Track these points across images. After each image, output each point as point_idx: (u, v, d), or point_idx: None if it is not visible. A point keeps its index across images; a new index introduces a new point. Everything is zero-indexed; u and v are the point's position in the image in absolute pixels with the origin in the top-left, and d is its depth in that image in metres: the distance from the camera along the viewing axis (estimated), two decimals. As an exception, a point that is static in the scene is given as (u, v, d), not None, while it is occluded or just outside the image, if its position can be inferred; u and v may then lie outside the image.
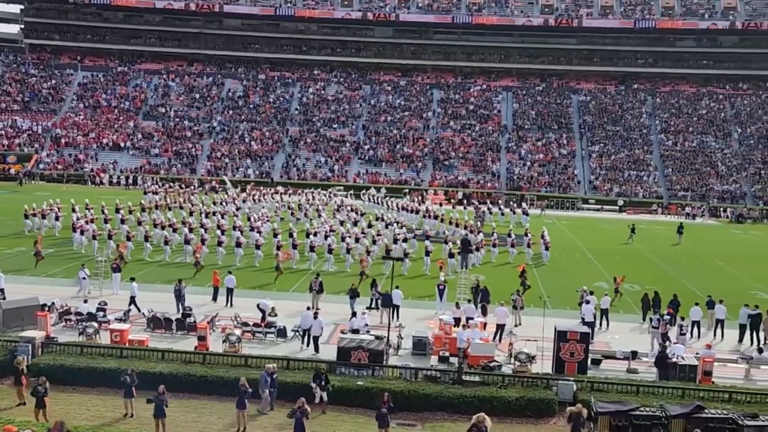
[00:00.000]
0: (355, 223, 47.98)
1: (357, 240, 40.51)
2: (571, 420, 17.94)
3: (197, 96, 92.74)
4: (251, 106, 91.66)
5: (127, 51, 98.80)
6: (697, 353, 24.27)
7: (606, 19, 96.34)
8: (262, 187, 66.98)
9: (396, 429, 19.18)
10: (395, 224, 46.61)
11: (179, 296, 28.46)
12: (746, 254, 49.94)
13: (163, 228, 41.50)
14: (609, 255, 45.94)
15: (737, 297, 31.41)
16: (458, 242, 40.46)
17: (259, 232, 41.73)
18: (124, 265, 34.47)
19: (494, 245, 42.74)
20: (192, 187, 66.64)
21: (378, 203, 61.63)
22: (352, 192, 69.34)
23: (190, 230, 40.56)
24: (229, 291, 30.10)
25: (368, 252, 37.73)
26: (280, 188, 67.24)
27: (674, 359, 23.18)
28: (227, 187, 68.15)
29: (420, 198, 66.45)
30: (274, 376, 20.13)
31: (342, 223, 47.24)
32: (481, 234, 44.82)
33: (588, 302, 28.02)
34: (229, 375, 20.74)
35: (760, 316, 27.95)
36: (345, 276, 35.27)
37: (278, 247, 37.78)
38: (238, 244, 38.81)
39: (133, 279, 29.33)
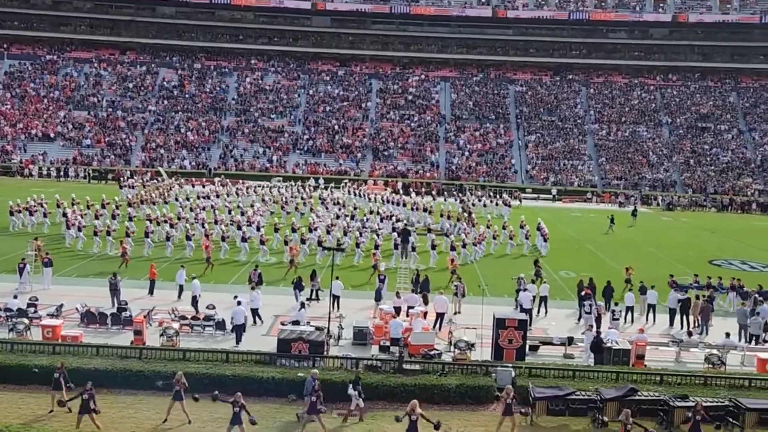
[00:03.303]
0: (352, 217, 47.03)
1: (360, 234, 40.10)
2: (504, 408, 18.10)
3: (130, 85, 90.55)
4: (187, 95, 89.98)
5: (56, 39, 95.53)
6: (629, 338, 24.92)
7: (541, 11, 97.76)
8: (242, 180, 65.58)
9: (337, 419, 19.17)
10: (392, 218, 46.33)
11: (114, 290, 27.80)
12: (676, 241, 51.49)
13: (158, 224, 40.56)
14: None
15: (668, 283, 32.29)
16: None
17: (258, 228, 40.81)
18: (127, 264, 33.56)
19: (495, 237, 43.21)
20: (172, 180, 64.97)
21: (361, 196, 60.40)
22: (332, 185, 68.36)
23: (190, 225, 40.00)
24: (180, 287, 29.45)
25: (377, 246, 36.89)
26: (217, 179, 66.18)
27: (608, 344, 23.76)
28: (163, 178, 66.74)
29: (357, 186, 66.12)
30: (317, 381, 19.12)
31: (338, 217, 46.43)
32: (482, 227, 44.65)
33: (526, 290, 28.51)
34: (167, 369, 20.39)
35: (689, 301, 28.92)
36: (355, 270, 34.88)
37: (285, 242, 37.42)
38: (244, 240, 38.24)
39: None
